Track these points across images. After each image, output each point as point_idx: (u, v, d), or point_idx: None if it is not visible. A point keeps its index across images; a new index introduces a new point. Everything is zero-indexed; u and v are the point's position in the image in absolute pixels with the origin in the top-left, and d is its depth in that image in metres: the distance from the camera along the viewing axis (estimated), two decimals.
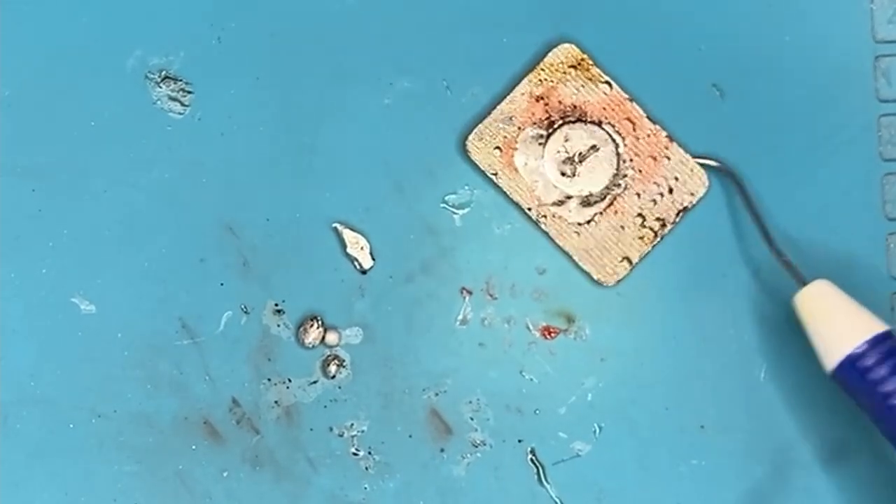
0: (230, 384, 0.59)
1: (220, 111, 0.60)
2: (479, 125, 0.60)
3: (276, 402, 0.59)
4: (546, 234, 0.60)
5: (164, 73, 0.60)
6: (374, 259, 0.60)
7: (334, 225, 0.60)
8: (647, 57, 0.61)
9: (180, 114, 0.60)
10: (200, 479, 0.59)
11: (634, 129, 0.60)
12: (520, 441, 0.60)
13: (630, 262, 0.60)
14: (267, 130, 0.60)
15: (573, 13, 0.61)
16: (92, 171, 0.60)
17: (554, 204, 0.60)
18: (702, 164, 0.60)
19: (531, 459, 0.60)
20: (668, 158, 0.60)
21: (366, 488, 0.59)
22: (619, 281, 0.60)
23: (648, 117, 0.60)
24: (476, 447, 0.60)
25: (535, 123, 0.60)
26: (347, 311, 0.60)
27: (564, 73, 0.60)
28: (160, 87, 0.60)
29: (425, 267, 0.60)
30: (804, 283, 0.57)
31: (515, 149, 0.60)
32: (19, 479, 0.59)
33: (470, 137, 0.60)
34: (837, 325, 0.55)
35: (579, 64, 0.60)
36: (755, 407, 0.60)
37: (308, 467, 0.59)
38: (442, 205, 0.60)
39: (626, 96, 0.60)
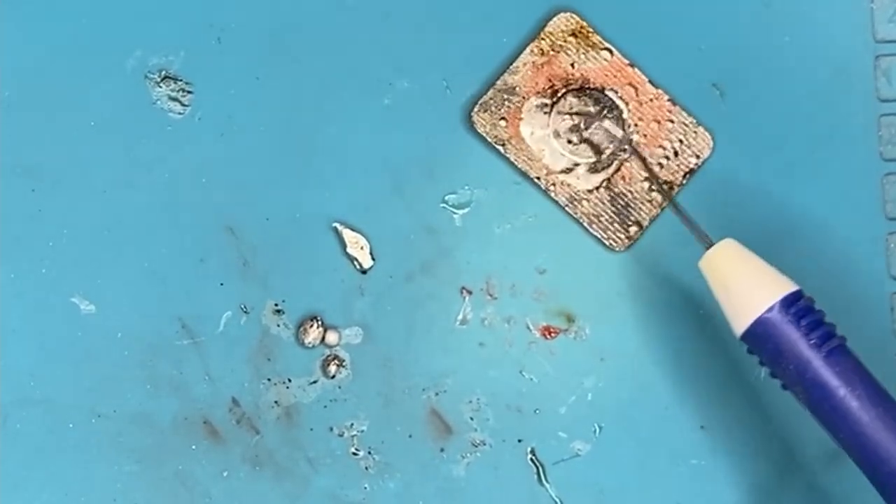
0: (230, 384, 0.59)
1: (220, 111, 0.60)
2: (483, 97, 0.60)
3: (275, 402, 0.59)
4: (556, 202, 0.60)
5: (163, 73, 0.60)
6: (373, 259, 0.60)
7: (334, 225, 0.60)
8: (646, 56, 0.61)
9: (180, 114, 0.60)
10: (200, 479, 0.59)
11: (637, 95, 0.60)
12: (520, 441, 0.60)
13: (640, 226, 0.60)
14: (267, 130, 0.60)
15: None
16: (92, 171, 0.60)
17: (562, 172, 0.60)
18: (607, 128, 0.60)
19: (531, 459, 0.60)
20: (672, 121, 0.60)
21: (366, 488, 0.59)
22: (629, 247, 0.60)
23: (650, 82, 0.60)
24: (476, 447, 0.60)
25: (538, 93, 0.60)
26: (347, 311, 0.60)
27: (565, 41, 0.60)
28: (160, 87, 0.60)
29: (425, 267, 0.60)
30: (711, 244, 0.55)
31: (521, 119, 0.60)
32: (19, 479, 0.59)
33: (475, 109, 0.60)
34: (745, 286, 0.53)
35: (579, 31, 0.60)
36: (755, 407, 0.60)
37: (308, 467, 0.59)
38: (442, 205, 0.60)
39: (627, 62, 0.60)
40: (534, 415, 0.60)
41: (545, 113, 0.60)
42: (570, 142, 0.60)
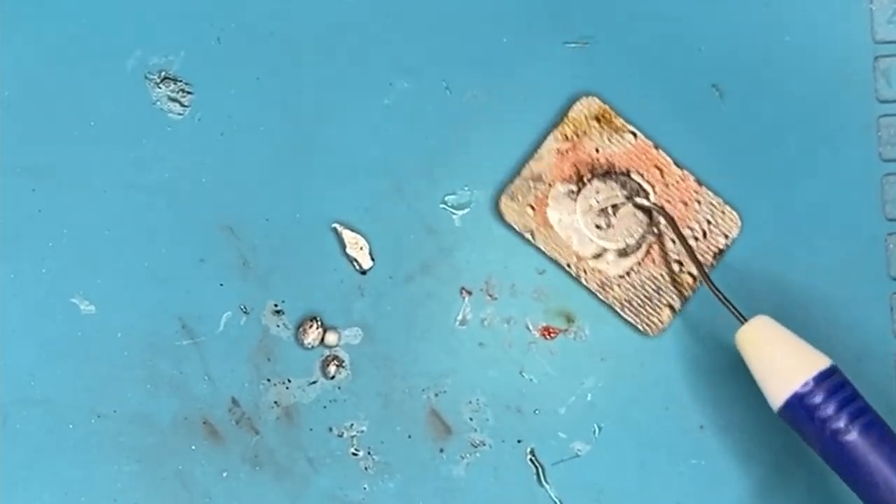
0: (230, 384, 0.59)
1: (220, 111, 0.60)
2: (510, 185, 0.60)
3: (275, 402, 0.59)
4: (587, 288, 0.59)
5: (163, 73, 0.60)
6: (373, 259, 0.60)
7: (334, 225, 0.60)
8: (646, 55, 0.61)
9: (180, 114, 0.60)
10: (200, 479, 0.59)
11: (663, 176, 0.59)
12: (519, 441, 0.60)
13: (673, 309, 0.59)
14: (267, 130, 0.60)
15: (575, 13, 0.61)
16: (92, 171, 0.60)
17: (592, 258, 0.59)
18: (637, 205, 0.60)
19: (531, 459, 0.60)
20: (699, 202, 0.59)
21: (365, 488, 0.59)
22: (662, 330, 0.59)
23: (676, 163, 0.60)
24: (476, 447, 0.60)
25: (564, 179, 0.60)
26: (347, 312, 0.60)
27: (588, 126, 0.60)
28: (160, 88, 0.60)
29: (425, 267, 0.60)
30: (744, 320, 0.56)
31: (548, 206, 0.60)
32: (19, 479, 0.59)
33: (502, 198, 0.60)
34: (781, 362, 0.55)
35: (602, 116, 0.60)
36: (755, 407, 0.60)
37: (308, 467, 0.59)
38: (442, 205, 0.61)
39: (652, 144, 0.60)
40: (533, 415, 0.60)
41: (572, 199, 0.59)
42: (598, 227, 0.59)
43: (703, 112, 0.61)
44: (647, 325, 0.59)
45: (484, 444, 0.60)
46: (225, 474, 0.59)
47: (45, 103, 0.60)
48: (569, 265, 0.59)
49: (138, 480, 0.59)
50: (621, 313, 0.59)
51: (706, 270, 0.59)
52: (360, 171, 0.60)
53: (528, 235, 0.60)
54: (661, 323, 0.59)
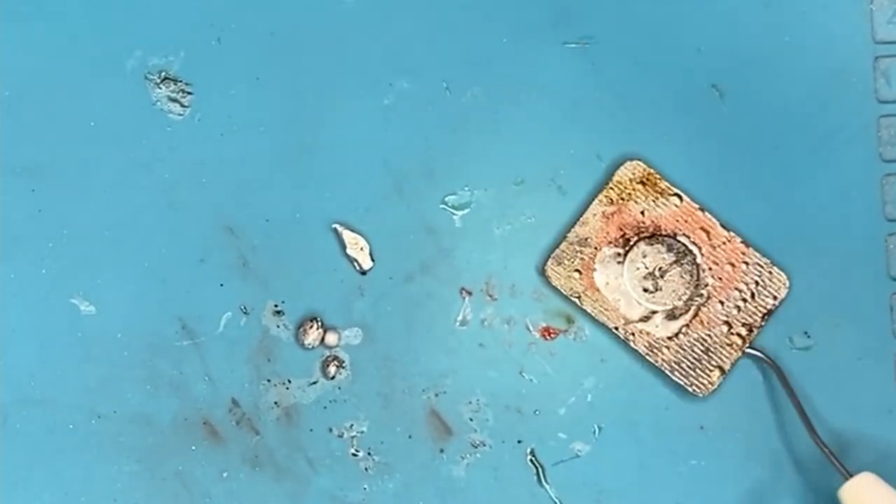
0: (230, 385, 0.59)
1: (220, 111, 0.60)
2: (556, 250, 0.59)
3: (275, 402, 0.59)
4: (636, 351, 0.59)
5: (163, 73, 0.60)
6: (373, 260, 0.60)
7: (334, 225, 0.60)
8: (646, 56, 0.61)
9: (180, 114, 0.60)
10: (200, 479, 0.59)
11: (710, 238, 0.59)
12: (519, 441, 0.60)
13: (723, 370, 0.59)
14: (267, 130, 0.60)
15: (575, 13, 0.61)
16: (92, 171, 0.60)
17: (640, 320, 0.59)
18: (747, 355, 0.59)
19: (531, 460, 0.60)
20: (747, 263, 0.59)
21: (365, 489, 0.59)
22: (713, 392, 0.59)
23: (722, 225, 0.59)
24: (476, 447, 0.60)
25: (610, 242, 0.59)
26: (347, 312, 0.60)
27: (633, 189, 0.59)
28: (160, 88, 0.60)
29: (425, 267, 0.60)
30: (849, 475, 0.56)
31: (594, 270, 0.59)
32: (19, 479, 0.59)
33: (548, 263, 0.59)
34: None
35: (647, 179, 0.59)
36: (755, 407, 0.60)
37: (308, 468, 0.59)
38: (442, 205, 0.60)
39: (697, 206, 0.59)
40: (533, 416, 0.60)
41: (619, 262, 0.59)
42: (645, 290, 0.59)
43: (704, 112, 0.61)
44: (698, 386, 0.59)
45: (484, 445, 0.60)
46: (225, 474, 0.59)
47: (45, 103, 0.60)
48: (616, 328, 0.59)
49: (138, 480, 0.59)
50: (671, 376, 0.59)
51: (812, 423, 0.58)
52: (360, 171, 0.60)
53: (575, 300, 0.59)
54: (712, 384, 0.59)
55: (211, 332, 0.60)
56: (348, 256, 0.60)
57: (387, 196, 0.60)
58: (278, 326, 0.60)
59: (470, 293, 0.60)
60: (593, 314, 0.59)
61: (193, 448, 0.59)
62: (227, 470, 0.59)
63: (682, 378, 0.59)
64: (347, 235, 0.60)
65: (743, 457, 0.60)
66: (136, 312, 0.60)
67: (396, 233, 0.60)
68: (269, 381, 0.60)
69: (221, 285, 0.60)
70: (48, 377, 0.59)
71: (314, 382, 0.60)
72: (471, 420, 0.60)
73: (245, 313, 0.60)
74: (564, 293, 0.59)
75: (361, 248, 0.60)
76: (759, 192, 0.60)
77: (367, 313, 0.60)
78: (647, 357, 0.59)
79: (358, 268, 0.60)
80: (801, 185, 0.60)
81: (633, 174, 0.59)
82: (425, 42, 0.61)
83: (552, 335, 0.60)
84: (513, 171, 0.60)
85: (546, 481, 0.60)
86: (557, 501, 0.59)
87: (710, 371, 0.59)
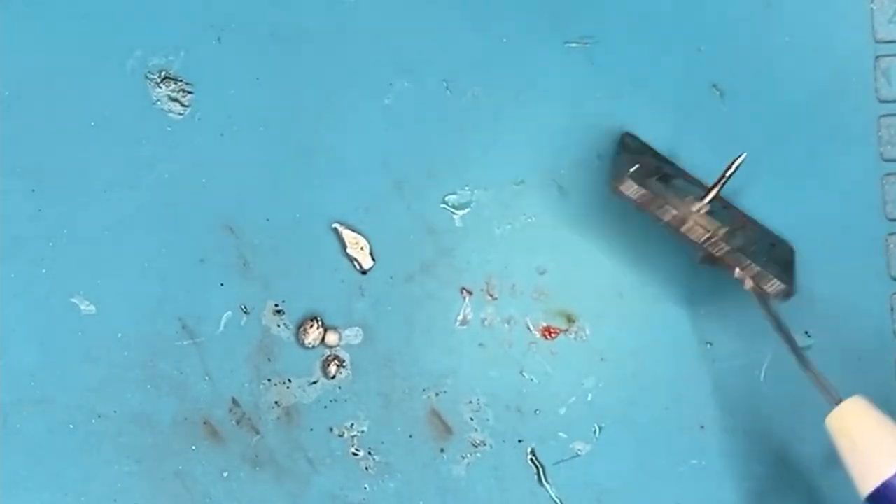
0: (230, 384, 0.59)
1: (220, 111, 0.60)
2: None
3: (276, 402, 0.59)
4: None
5: (163, 73, 0.60)
6: (374, 259, 0.60)
7: (334, 225, 0.60)
8: (646, 56, 0.61)
9: (180, 114, 0.60)
10: (200, 479, 0.59)
11: None
12: (520, 441, 0.60)
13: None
14: (267, 130, 0.60)
15: (572, 13, 0.61)
16: (92, 171, 0.60)
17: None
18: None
19: (531, 459, 0.60)
20: None
21: (366, 488, 0.59)
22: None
23: None
24: (476, 447, 0.60)
25: None
26: (347, 312, 0.60)
27: None
28: (160, 88, 0.60)
29: (425, 267, 0.60)
30: (838, 402, 0.54)
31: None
32: (19, 479, 0.59)
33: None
34: (873, 447, 0.52)
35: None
36: (755, 407, 0.60)
37: (308, 467, 0.59)
38: (442, 205, 0.61)
39: None
40: (534, 415, 0.60)
41: None
42: None
43: (704, 111, 0.61)
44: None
45: (484, 444, 0.60)
46: (225, 474, 0.59)
47: (45, 103, 0.60)
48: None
49: (138, 480, 0.59)
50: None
51: (798, 348, 0.56)
52: (360, 171, 0.60)
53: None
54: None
55: (211, 332, 0.59)
56: (348, 256, 0.60)
57: (387, 196, 0.60)
58: (278, 326, 0.60)
59: (470, 293, 0.60)
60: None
61: (193, 448, 0.59)
62: (227, 470, 0.59)
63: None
64: (348, 235, 0.60)
65: (743, 457, 0.60)
66: (136, 312, 0.60)
67: (397, 232, 0.60)
68: (269, 380, 0.60)
69: (221, 285, 0.60)
70: (48, 377, 0.59)
71: (314, 382, 0.60)
72: (471, 420, 0.60)
73: (245, 313, 0.60)
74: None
75: (362, 248, 0.60)
76: (760, 192, 0.60)
77: (367, 313, 0.60)
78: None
79: (358, 267, 0.60)
80: (802, 184, 0.61)
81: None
82: (425, 42, 0.61)
83: (552, 335, 0.60)
84: (513, 171, 0.61)
85: (546, 481, 0.60)
86: (557, 501, 0.59)
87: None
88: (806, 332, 0.60)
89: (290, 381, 0.60)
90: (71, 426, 0.59)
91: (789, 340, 0.56)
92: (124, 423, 0.59)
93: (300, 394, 0.60)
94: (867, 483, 0.52)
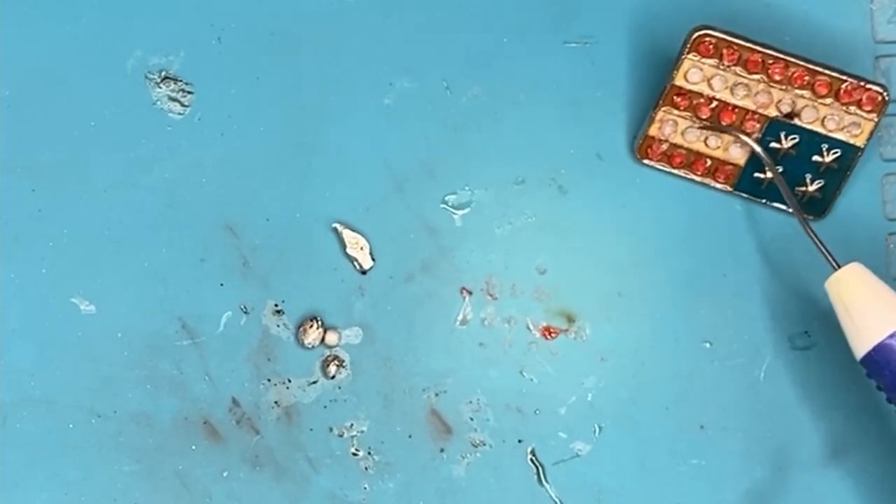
0: (230, 384, 0.59)
1: (220, 111, 0.60)
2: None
3: (275, 402, 0.59)
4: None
5: (163, 73, 0.60)
6: (373, 259, 0.60)
7: (334, 225, 0.60)
8: (646, 56, 0.61)
9: (180, 114, 0.60)
10: (200, 479, 0.59)
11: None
12: (520, 441, 0.60)
13: None
14: (267, 130, 0.60)
15: (575, 13, 0.61)
16: (92, 171, 0.60)
17: None
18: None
19: (531, 459, 0.60)
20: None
21: (366, 488, 0.59)
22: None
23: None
24: (476, 447, 0.60)
25: None
26: (347, 312, 0.60)
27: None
28: (160, 88, 0.60)
29: (425, 267, 0.60)
30: (837, 267, 0.56)
31: None
32: (19, 479, 0.59)
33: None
34: (869, 310, 0.54)
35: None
36: (755, 407, 0.60)
37: (308, 467, 0.59)
38: (442, 205, 0.61)
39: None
40: (534, 415, 0.60)
41: None
42: None
43: None
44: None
45: (484, 444, 0.60)
46: (225, 474, 0.59)
47: (45, 103, 0.60)
48: None
49: (138, 480, 0.59)
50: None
51: (801, 209, 0.58)
52: (360, 171, 0.60)
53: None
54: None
55: (211, 332, 0.59)
56: (348, 256, 0.60)
57: (387, 196, 0.60)
58: (278, 326, 0.60)
59: (470, 292, 0.60)
60: None
61: (193, 448, 0.59)
62: (227, 470, 0.59)
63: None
64: (347, 235, 0.60)
65: (743, 457, 0.60)
66: (136, 312, 0.60)
67: (396, 232, 0.60)
68: (269, 380, 0.60)
69: (221, 285, 0.60)
70: (48, 377, 0.59)
71: (314, 382, 0.60)
72: (471, 419, 0.60)
73: (245, 313, 0.60)
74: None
75: (362, 248, 0.60)
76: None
77: (367, 313, 0.60)
78: None
79: (358, 267, 0.60)
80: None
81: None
82: (425, 42, 0.61)
83: (553, 335, 0.60)
84: (513, 171, 0.61)
85: (546, 481, 0.60)
86: (557, 501, 0.59)
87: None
88: (806, 332, 0.60)
89: (289, 381, 0.60)
90: (71, 426, 0.59)
91: (791, 199, 0.58)
92: (124, 423, 0.59)
93: (300, 394, 0.60)
94: (862, 345, 0.54)
